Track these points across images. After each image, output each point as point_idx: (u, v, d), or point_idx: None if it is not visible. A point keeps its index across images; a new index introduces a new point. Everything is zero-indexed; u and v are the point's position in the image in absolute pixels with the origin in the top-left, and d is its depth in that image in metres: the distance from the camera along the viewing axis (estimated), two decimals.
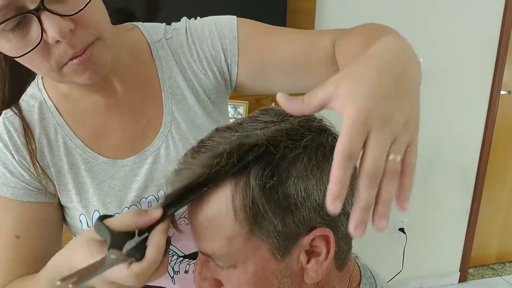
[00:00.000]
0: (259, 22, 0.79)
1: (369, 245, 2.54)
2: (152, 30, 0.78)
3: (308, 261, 0.54)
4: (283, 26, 0.80)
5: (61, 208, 0.76)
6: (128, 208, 0.73)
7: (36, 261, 0.70)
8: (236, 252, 0.52)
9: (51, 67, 0.60)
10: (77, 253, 0.55)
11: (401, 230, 2.61)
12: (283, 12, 1.90)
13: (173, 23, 0.80)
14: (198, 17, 0.80)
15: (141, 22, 0.80)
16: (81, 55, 0.60)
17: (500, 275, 2.96)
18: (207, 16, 0.81)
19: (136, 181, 0.74)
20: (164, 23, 0.80)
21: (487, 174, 2.70)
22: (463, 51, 2.41)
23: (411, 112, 0.42)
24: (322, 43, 0.71)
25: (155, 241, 0.52)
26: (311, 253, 0.54)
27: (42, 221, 0.73)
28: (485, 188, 2.73)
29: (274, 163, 0.50)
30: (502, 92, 2.60)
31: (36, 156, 0.71)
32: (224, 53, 0.76)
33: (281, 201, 0.50)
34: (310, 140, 0.52)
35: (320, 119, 0.57)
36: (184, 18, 0.80)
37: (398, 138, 0.40)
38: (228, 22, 0.77)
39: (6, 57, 0.63)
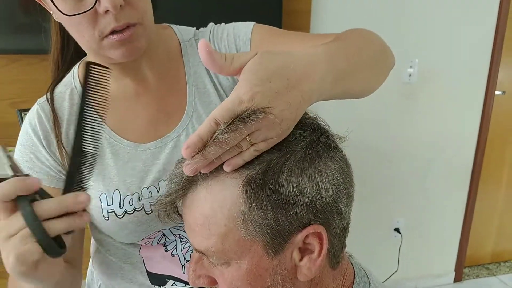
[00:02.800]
0: (276, 28, 0.85)
1: (364, 245, 2.55)
2: (184, 31, 0.87)
3: (301, 259, 0.54)
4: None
5: None
6: (147, 189, 0.78)
7: None
8: (229, 249, 0.52)
9: (94, 35, 0.68)
10: None
11: (397, 230, 2.62)
12: (279, 13, 1.90)
13: (201, 28, 0.89)
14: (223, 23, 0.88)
15: (173, 24, 0.89)
16: (121, 33, 0.68)
17: (495, 275, 2.97)
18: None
19: (156, 164, 0.78)
20: (194, 27, 0.89)
21: (482, 175, 2.71)
22: (458, 51, 2.42)
23: (286, 118, 0.48)
24: None
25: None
26: (304, 251, 0.54)
27: None
28: (480, 188, 2.75)
29: (266, 160, 0.51)
30: (497, 92, 2.62)
31: (61, 140, 0.77)
32: None
33: (273, 198, 0.50)
34: (303, 138, 0.53)
35: (315, 118, 0.57)
36: (211, 23, 0.88)
37: (261, 129, 0.47)
38: (244, 26, 0.84)
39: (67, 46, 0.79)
